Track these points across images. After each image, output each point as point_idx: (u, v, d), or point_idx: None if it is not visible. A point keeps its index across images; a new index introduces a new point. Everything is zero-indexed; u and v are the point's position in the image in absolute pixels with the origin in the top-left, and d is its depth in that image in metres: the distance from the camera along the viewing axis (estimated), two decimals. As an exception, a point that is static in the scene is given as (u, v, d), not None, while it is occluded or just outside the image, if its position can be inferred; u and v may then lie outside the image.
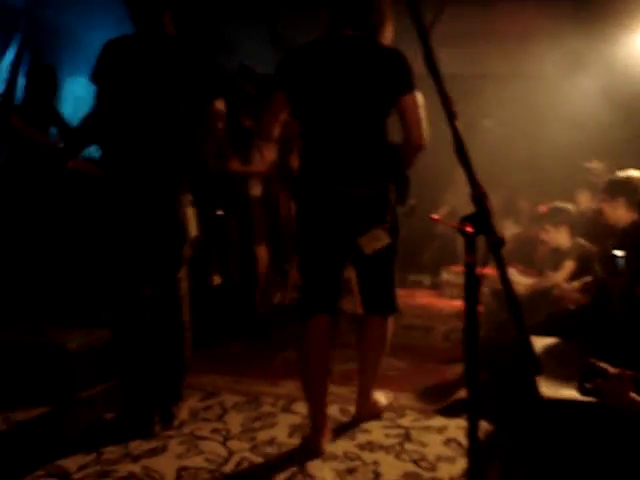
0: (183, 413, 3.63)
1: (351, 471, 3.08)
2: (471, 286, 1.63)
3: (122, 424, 3.43)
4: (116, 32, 3.46)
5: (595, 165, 5.86)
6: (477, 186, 1.59)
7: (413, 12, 1.64)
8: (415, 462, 3.18)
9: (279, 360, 4.68)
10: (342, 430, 3.51)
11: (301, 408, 3.70)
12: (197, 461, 3.15)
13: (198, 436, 3.41)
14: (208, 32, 7.12)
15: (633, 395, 2.25)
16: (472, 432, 1.68)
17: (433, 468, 3.12)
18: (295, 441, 3.37)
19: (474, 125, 7.16)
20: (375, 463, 3.16)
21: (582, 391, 2.65)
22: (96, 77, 3.38)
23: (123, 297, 3.46)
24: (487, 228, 1.58)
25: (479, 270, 1.64)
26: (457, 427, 3.51)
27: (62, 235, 4.71)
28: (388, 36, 3.25)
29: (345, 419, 3.65)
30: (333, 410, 3.64)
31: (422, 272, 7.94)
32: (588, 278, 4.30)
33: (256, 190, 5.56)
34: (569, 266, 4.67)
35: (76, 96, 6.06)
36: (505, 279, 1.60)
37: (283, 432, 3.49)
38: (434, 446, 3.35)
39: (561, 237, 4.87)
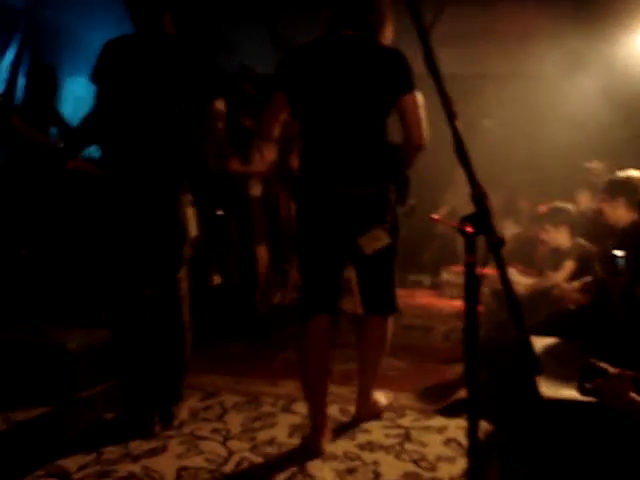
0: (183, 413, 3.63)
1: (351, 471, 3.09)
2: (471, 286, 1.63)
3: (122, 424, 3.43)
4: (116, 32, 3.46)
5: (595, 165, 5.86)
6: (477, 186, 1.59)
7: (413, 12, 1.64)
8: (415, 462, 3.18)
9: (279, 360, 4.68)
10: (342, 430, 3.51)
11: (301, 408, 3.70)
12: (197, 461, 3.15)
13: (198, 436, 3.41)
14: (208, 32, 7.12)
15: (633, 395, 2.25)
16: (472, 432, 1.68)
17: (433, 468, 3.12)
18: (295, 441, 3.37)
19: (474, 125, 7.16)
20: (375, 463, 3.16)
21: (582, 391, 2.65)
22: (96, 77, 3.38)
23: (123, 297, 3.46)
24: (487, 228, 1.58)
25: (479, 270, 1.64)
26: (457, 427, 3.51)
27: (62, 235, 4.71)
28: (388, 36, 3.25)
29: (345, 419, 3.65)
30: (333, 410, 3.64)
31: (422, 272, 7.94)
32: (588, 278, 4.30)
33: (256, 190, 5.56)
34: (569, 266, 4.67)
35: (76, 96, 6.06)
36: (505, 279, 1.60)
37: (283, 432, 3.49)
38: (434, 446, 3.35)
39: (561, 237, 4.87)
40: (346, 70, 3.16)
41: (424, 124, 3.13)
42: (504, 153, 7.65)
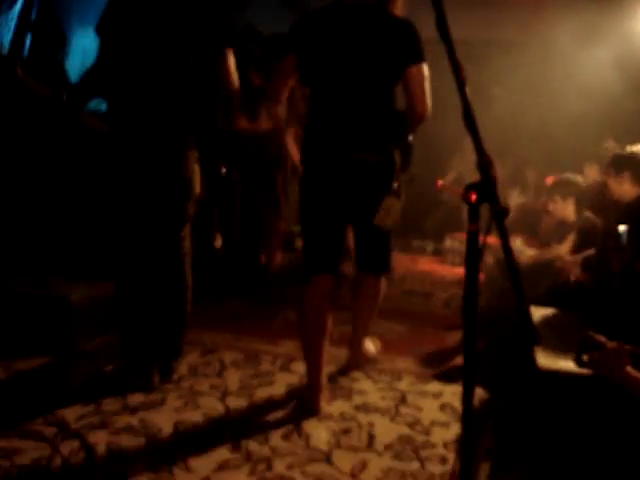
0: (182, 368, 3.66)
1: (346, 432, 3.12)
2: (473, 254, 1.63)
3: (122, 377, 3.46)
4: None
5: (611, 145, 5.81)
6: (483, 154, 1.58)
7: (427, -24, 1.62)
8: (410, 425, 3.21)
9: (279, 319, 4.70)
10: (339, 391, 3.54)
11: (299, 367, 3.73)
12: (194, 416, 3.18)
13: (196, 391, 3.44)
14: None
15: (629, 369, 2.26)
16: (467, 399, 1.69)
17: (427, 432, 3.16)
18: (292, 400, 3.41)
19: (484, 92, 7.10)
20: (370, 425, 3.20)
21: (579, 363, 2.66)
22: (101, 30, 3.35)
23: (128, 251, 3.47)
24: (491, 197, 1.58)
25: (482, 238, 1.64)
26: (453, 393, 3.54)
27: (65, 187, 4.70)
28: (400, 6, 3.26)
29: (342, 380, 3.68)
30: (330, 371, 3.67)
31: (426, 238, 7.93)
32: (591, 251, 4.29)
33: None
34: (573, 239, 4.66)
35: (85, 48, 6.00)
36: (507, 248, 1.60)
37: (281, 391, 3.53)
38: (429, 411, 3.38)
39: (568, 209, 4.85)
40: (356, 38, 3.18)
41: (428, 96, 3.16)
42: (513, 121, 7.59)
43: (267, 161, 5.54)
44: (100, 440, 2.90)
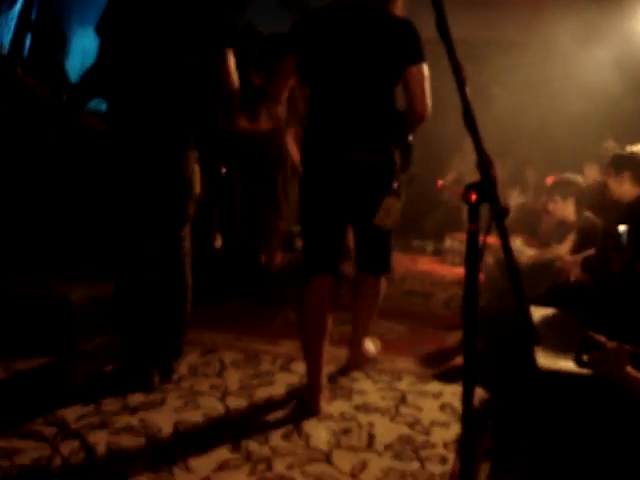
0: (182, 368, 3.66)
1: (346, 432, 3.12)
2: (472, 254, 1.63)
3: (122, 377, 3.46)
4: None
5: (611, 146, 5.81)
6: (483, 154, 1.58)
7: (427, -24, 1.62)
8: (410, 425, 3.21)
9: (279, 319, 4.70)
10: (339, 391, 3.54)
11: (299, 367, 3.73)
12: (194, 416, 3.18)
13: (196, 391, 3.44)
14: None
15: (629, 369, 2.26)
16: (467, 399, 1.69)
17: (427, 432, 3.16)
18: (292, 400, 3.41)
19: (484, 92, 7.10)
20: (370, 425, 3.20)
21: (579, 363, 2.66)
22: (101, 30, 3.35)
23: (127, 251, 3.46)
24: (491, 197, 1.58)
25: (482, 238, 1.64)
26: (453, 393, 3.54)
27: (65, 187, 4.70)
28: (400, 6, 3.27)
29: (342, 380, 3.68)
30: (330, 371, 3.67)
31: (425, 238, 7.93)
32: (591, 251, 4.29)
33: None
34: (573, 239, 4.66)
35: (85, 48, 6.00)
36: (507, 248, 1.61)
37: (281, 390, 3.53)
38: (429, 411, 3.38)
39: (568, 209, 4.84)
40: (356, 38, 3.19)
41: (428, 96, 3.17)
42: (513, 121, 7.59)
43: (267, 161, 5.54)
44: (100, 440, 2.90)
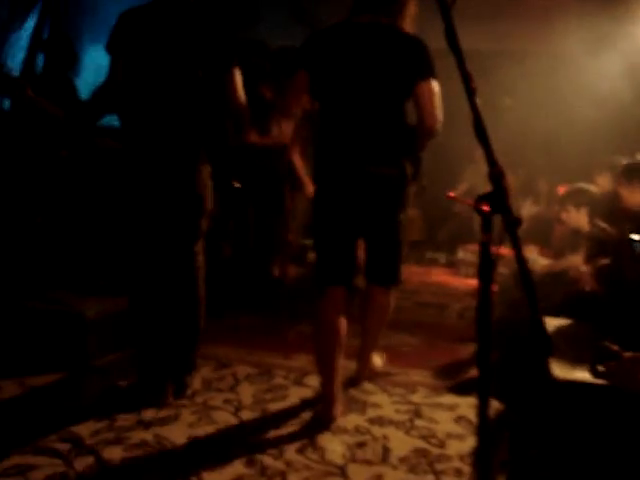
0: (196, 383, 3.66)
1: (361, 445, 3.11)
2: (486, 265, 1.63)
3: (136, 392, 3.46)
4: (138, 0, 3.44)
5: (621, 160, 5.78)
6: (495, 165, 1.58)
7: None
8: (425, 438, 3.19)
9: (292, 333, 4.70)
10: (353, 404, 3.52)
11: (313, 381, 3.73)
12: (208, 430, 3.18)
13: (210, 406, 3.44)
14: (231, 4, 7.08)
15: (645, 379, 2.24)
16: (482, 411, 1.68)
17: (442, 445, 3.14)
18: (306, 414, 3.40)
19: (494, 103, 7.10)
20: (385, 438, 3.18)
21: (594, 373, 2.65)
22: (111, 47, 3.37)
23: (141, 266, 3.47)
24: (504, 207, 1.57)
25: (494, 249, 1.63)
26: (468, 405, 3.52)
27: (78, 203, 4.72)
28: (410, 22, 3.32)
29: (356, 393, 3.67)
30: (346, 385, 3.66)
31: (438, 250, 7.93)
32: (605, 261, 4.27)
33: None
34: (586, 248, 4.64)
35: (97, 64, 6.04)
36: (520, 259, 1.60)
37: (294, 405, 3.52)
38: (444, 423, 3.36)
39: (581, 218, 4.82)
40: (367, 55, 3.23)
41: (439, 111, 3.20)
42: (524, 132, 7.59)
43: (277, 175, 5.55)
44: (114, 456, 2.90)
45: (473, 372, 3.75)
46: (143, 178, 3.38)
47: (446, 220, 8.15)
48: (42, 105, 3.99)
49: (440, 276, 7.22)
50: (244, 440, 3.11)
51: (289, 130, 5.48)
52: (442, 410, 3.51)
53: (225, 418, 3.32)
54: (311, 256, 5.49)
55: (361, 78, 3.24)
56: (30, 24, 6.01)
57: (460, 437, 3.22)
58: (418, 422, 3.37)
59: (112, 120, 4.20)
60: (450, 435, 3.23)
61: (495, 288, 1.65)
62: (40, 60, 5.53)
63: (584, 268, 4.42)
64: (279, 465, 2.89)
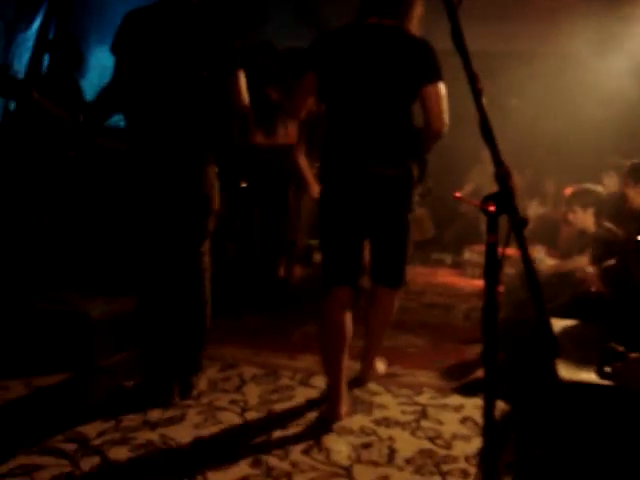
0: (202, 383, 3.66)
1: (366, 446, 3.10)
2: (492, 266, 1.62)
3: (142, 393, 3.46)
4: (143, 1, 3.44)
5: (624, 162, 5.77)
6: (501, 165, 1.57)
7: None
8: (431, 439, 3.19)
9: (298, 334, 4.70)
10: (359, 405, 3.52)
11: (319, 382, 3.72)
12: (214, 431, 3.18)
13: (216, 406, 3.44)
14: (237, 4, 7.09)
15: (652, 380, 2.24)
16: (488, 412, 1.68)
17: (448, 446, 3.13)
18: (312, 414, 3.39)
19: (501, 104, 7.09)
20: (391, 439, 3.17)
21: (601, 374, 2.64)
22: (116, 49, 3.38)
23: (147, 267, 3.48)
24: (510, 208, 1.57)
25: (501, 250, 1.63)
26: (474, 406, 3.51)
27: (84, 203, 4.73)
28: (416, 24, 3.34)
29: (362, 394, 3.66)
30: (350, 385, 3.65)
31: (444, 251, 7.93)
32: (611, 262, 4.26)
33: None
34: (593, 249, 4.63)
35: (102, 65, 6.05)
36: (527, 259, 1.59)
37: (300, 405, 3.52)
38: (450, 424, 3.35)
39: (588, 219, 4.81)
40: (375, 57, 3.25)
41: (445, 114, 3.23)
42: (531, 133, 7.58)
43: (283, 175, 5.55)
44: (120, 456, 2.90)
45: (479, 373, 3.75)
46: (149, 178, 3.38)
47: (452, 221, 8.15)
48: (47, 108, 4.00)
49: (446, 277, 7.21)
50: (250, 441, 3.11)
51: (295, 131, 5.48)
52: (448, 411, 3.51)
53: (231, 419, 3.32)
54: (317, 257, 5.50)
55: (368, 80, 3.27)
56: (37, 25, 6.02)
57: (466, 438, 3.21)
58: (424, 423, 3.36)
59: (119, 121, 4.22)
60: (456, 436, 3.23)
61: (501, 289, 1.64)
62: (46, 60, 5.53)
63: (590, 269, 4.42)
64: (285, 466, 2.89)
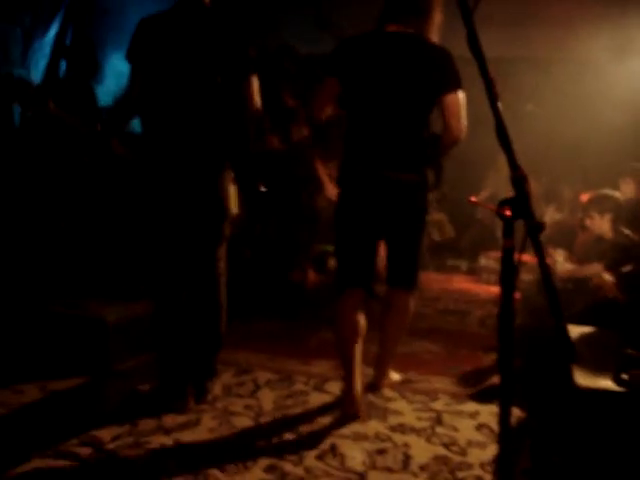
0: (217, 388, 3.66)
1: (381, 452, 3.09)
2: (508, 271, 1.62)
3: (157, 397, 3.47)
4: (160, 6, 3.46)
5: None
6: (517, 169, 1.57)
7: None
8: (446, 446, 3.17)
9: (313, 340, 4.69)
10: (374, 411, 3.51)
11: (333, 388, 3.72)
12: (229, 436, 3.17)
13: (231, 411, 3.44)
14: (255, 11, 7.11)
15: (670, 387, 2.22)
16: (504, 418, 1.67)
17: (463, 453, 3.11)
18: (326, 420, 3.39)
19: (517, 110, 7.07)
20: (406, 445, 3.16)
21: (618, 381, 2.62)
22: (131, 55, 3.39)
23: (163, 271, 3.48)
24: (526, 212, 1.56)
25: (517, 256, 1.62)
26: (490, 413, 3.49)
27: (102, 208, 4.75)
28: (436, 31, 3.38)
29: (377, 400, 3.65)
30: (365, 391, 3.64)
31: (460, 257, 7.90)
32: (628, 267, 4.24)
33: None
34: (610, 255, 4.60)
35: (119, 71, 6.08)
36: (544, 265, 1.58)
37: (315, 411, 3.51)
38: (465, 431, 3.34)
39: (605, 225, 4.79)
40: (395, 65, 3.31)
41: (464, 122, 3.30)
42: (547, 138, 7.54)
43: (297, 178, 5.57)
44: (135, 460, 2.90)
45: (495, 379, 3.73)
46: (165, 184, 3.39)
47: (468, 227, 8.13)
48: (63, 118, 4.03)
49: (462, 283, 7.19)
50: (264, 446, 3.11)
51: (308, 131, 5.49)
52: (463, 418, 3.49)
53: (245, 424, 3.32)
54: (332, 263, 5.49)
55: (388, 88, 3.32)
56: (54, 31, 6.06)
57: (481, 445, 3.19)
58: (439, 429, 3.34)
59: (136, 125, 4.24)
60: (471, 443, 3.21)
61: (517, 295, 1.63)
62: (63, 66, 5.56)
63: (607, 275, 4.39)
64: (299, 471, 2.88)
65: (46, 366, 3.80)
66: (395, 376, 3.92)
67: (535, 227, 1.55)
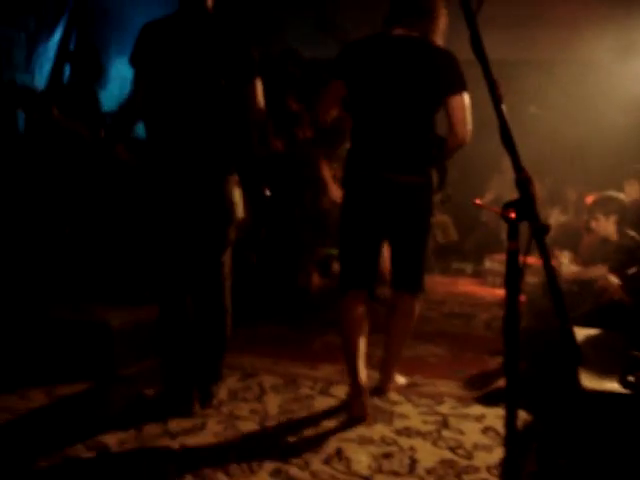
0: (222, 393, 3.66)
1: (387, 456, 3.08)
2: (513, 273, 1.61)
3: (162, 402, 3.47)
4: (164, 11, 3.46)
5: None
6: (522, 171, 1.56)
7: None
8: (452, 449, 3.16)
9: (318, 343, 4.69)
10: (379, 415, 3.50)
11: (339, 392, 3.71)
12: (234, 440, 3.17)
13: (236, 416, 3.43)
14: (257, 15, 7.12)
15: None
16: (510, 422, 1.66)
17: (470, 456, 3.10)
18: (332, 424, 3.38)
19: (521, 112, 7.06)
20: (412, 449, 3.15)
21: (624, 384, 2.61)
22: (134, 60, 3.40)
23: (168, 276, 3.48)
24: (531, 214, 1.56)
25: (522, 258, 1.62)
26: (496, 416, 3.48)
27: (106, 213, 4.76)
28: (440, 34, 3.41)
29: (383, 404, 3.65)
30: (370, 394, 3.64)
31: (465, 260, 7.91)
32: (633, 269, 4.23)
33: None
34: (615, 257, 4.59)
35: (122, 76, 6.08)
36: (549, 267, 1.58)
37: (320, 415, 3.50)
38: (472, 434, 3.33)
39: (610, 227, 4.78)
40: (401, 69, 3.34)
41: (468, 124, 3.32)
42: (552, 140, 7.54)
43: (301, 180, 5.57)
44: (140, 465, 2.90)
45: (501, 383, 3.72)
46: (170, 188, 3.39)
47: (473, 229, 8.13)
48: (67, 125, 4.03)
49: (467, 286, 7.18)
50: (270, 450, 3.10)
51: (311, 133, 5.50)
52: (469, 421, 3.48)
53: (251, 428, 3.31)
54: (336, 267, 5.49)
55: (393, 91, 3.34)
56: (58, 35, 6.06)
57: (488, 448, 3.18)
58: (445, 433, 3.34)
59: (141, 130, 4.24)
60: (477, 446, 3.20)
61: (523, 298, 1.63)
62: (67, 71, 5.56)
63: (612, 277, 4.38)
64: (305, 476, 2.88)
65: (52, 371, 3.80)
66: (401, 380, 3.92)
67: (540, 229, 1.55)
